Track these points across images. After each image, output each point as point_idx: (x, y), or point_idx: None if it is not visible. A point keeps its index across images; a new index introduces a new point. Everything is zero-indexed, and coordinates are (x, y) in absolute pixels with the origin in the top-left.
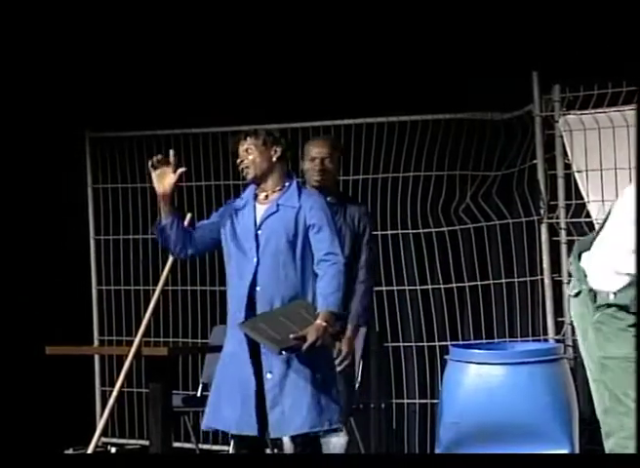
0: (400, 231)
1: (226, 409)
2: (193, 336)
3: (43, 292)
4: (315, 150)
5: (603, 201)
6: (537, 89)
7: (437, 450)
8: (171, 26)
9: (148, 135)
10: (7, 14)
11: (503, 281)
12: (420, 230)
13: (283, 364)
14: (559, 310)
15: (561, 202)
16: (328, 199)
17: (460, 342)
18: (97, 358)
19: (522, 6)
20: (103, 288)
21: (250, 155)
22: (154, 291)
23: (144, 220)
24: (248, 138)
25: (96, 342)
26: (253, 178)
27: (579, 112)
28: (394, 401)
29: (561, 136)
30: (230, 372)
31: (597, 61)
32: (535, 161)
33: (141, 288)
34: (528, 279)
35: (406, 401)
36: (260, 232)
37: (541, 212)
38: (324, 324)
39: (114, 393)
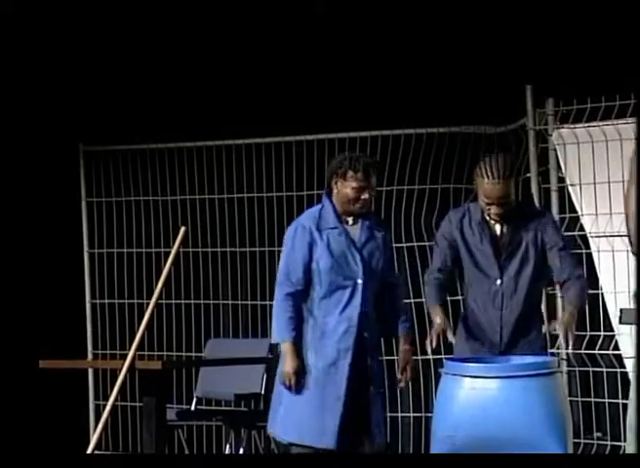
0: (394, 245)
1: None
2: (187, 350)
3: (36, 305)
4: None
5: (597, 214)
6: (530, 102)
7: None
8: (166, 40)
9: (142, 148)
10: (2, 28)
11: None
12: (414, 243)
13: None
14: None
15: (555, 215)
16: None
17: (456, 356)
18: (90, 371)
19: (516, 20)
20: (97, 301)
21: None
22: (148, 304)
23: (138, 234)
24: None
25: (89, 356)
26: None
27: (572, 126)
28: (388, 414)
29: (554, 150)
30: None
31: (590, 75)
32: (528, 174)
33: (135, 301)
34: None
35: (400, 414)
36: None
37: None
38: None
39: (108, 407)
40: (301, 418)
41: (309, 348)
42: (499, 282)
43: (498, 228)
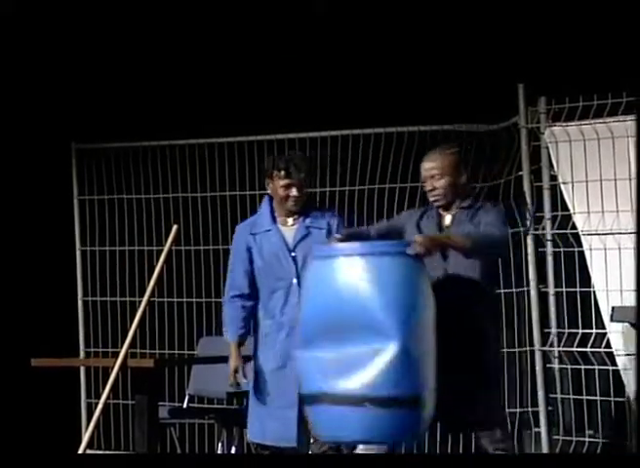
0: None
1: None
2: (179, 348)
3: (28, 303)
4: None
5: (589, 212)
6: (522, 100)
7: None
8: (158, 38)
9: (135, 146)
10: None
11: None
12: None
13: None
14: (545, 321)
15: (547, 213)
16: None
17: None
18: (82, 370)
19: (508, 19)
20: (89, 299)
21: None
22: (140, 302)
23: (130, 232)
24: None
25: (81, 354)
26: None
27: (564, 124)
28: None
29: (547, 148)
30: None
31: (582, 73)
32: (521, 172)
33: (127, 299)
34: (514, 290)
35: None
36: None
37: (528, 223)
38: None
39: (100, 405)
40: (261, 419)
41: (258, 350)
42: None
43: (447, 219)
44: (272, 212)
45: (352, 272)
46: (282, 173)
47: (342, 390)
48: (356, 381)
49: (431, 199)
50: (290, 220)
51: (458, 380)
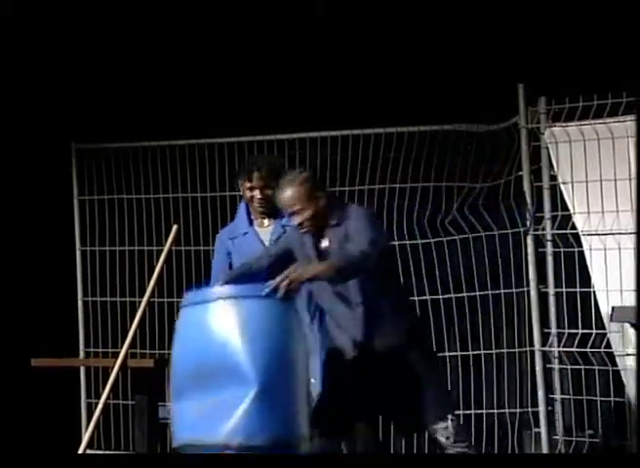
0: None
1: None
2: None
3: (28, 303)
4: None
5: (589, 212)
6: (522, 101)
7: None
8: (159, 39)
9: (135, 146)
10: None
11: (489, 292)
12: (407, 241)
13: None
14: (545, 321)
15: (547, 213)
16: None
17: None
18: (82, 370)
19: (508, 19)
20: (89, 299)
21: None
22: (140, 302)
23: (130, 232)
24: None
25: (81, 354)
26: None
27: (564, 124)
28: None
29: (547, 148)
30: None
31: (583, 74)
32: (521, 172)
33: (127, 299)
34: (514, 290)
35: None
36: None
37: (528, 223)
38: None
39: (100, 405)
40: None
41: None
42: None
43: (324, 242)
44: (249, 215)
45: (217, 317)
46: (244, 176)
47: (209, 440)
48: (220, 430)
49: (303, 231)
50: (265, 221)
51: (390, 390)
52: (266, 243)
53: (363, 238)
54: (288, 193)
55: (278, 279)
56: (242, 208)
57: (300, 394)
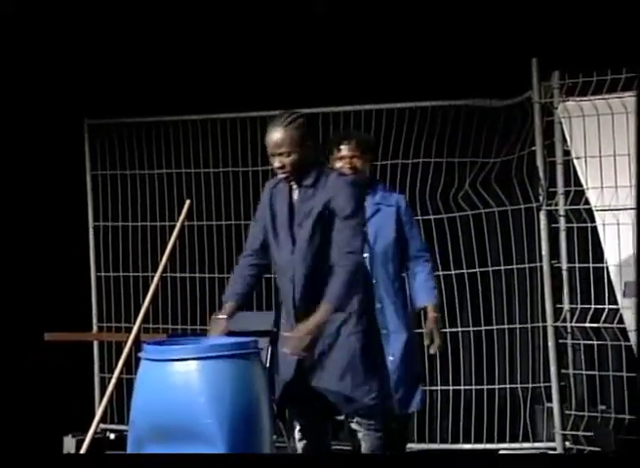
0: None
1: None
2: (192, 323)
3: (42, 278)
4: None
5: (602, 187)
6: (536, 75)
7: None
8: (172, 12)
9: (147, 121)
10: (5, 2)
11: (502, 268)
12: (419, 217)
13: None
14: (558, 297)
15: (560, 189)
16: None
17: (158, 339)
18: (95, 344)
19: None
20: (102, 274)
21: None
22: (153, 277)
23: (143, 207)
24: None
25: (94, 329)
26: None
27: (577, 99)
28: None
29: (560, 123)
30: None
31: (596, 48)
32: (534, 148)
33: (140, 274)
34: (527, 266)
35: (428, 388)
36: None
37: (540, 198)
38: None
39: (113, 380)
40: None
41: None
42: (290, 251)
43: (295, 194)
44: None
45: (181, 377)
46: (335, 147)
47: None
48: None
49: (281, 176)
50: None
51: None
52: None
53: (351, 204)
54: (279, 134)
55: (289, 351)
56: None
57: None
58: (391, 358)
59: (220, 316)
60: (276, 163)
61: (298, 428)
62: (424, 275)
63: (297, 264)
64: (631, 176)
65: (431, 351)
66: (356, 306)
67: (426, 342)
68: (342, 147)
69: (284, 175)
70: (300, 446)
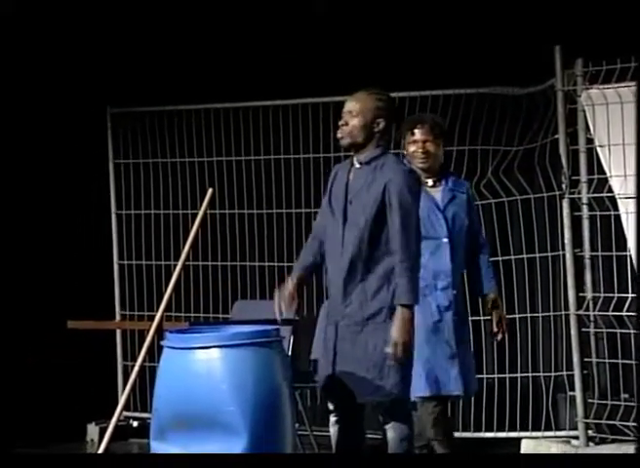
0: None
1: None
2: (214, 311)
3: (65, 267)
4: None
5: (625, 176)
6: (559, 63)
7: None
8: (196, 1)
9: (170, 110)
10: None
11: (525, 256)
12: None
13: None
14: (580, 285)
15: (583, 177)
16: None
17: (181, 327)
18: (118, 332)
19: None
20: (125, 262)
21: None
22: (176, 266)
23: (165, 195)
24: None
25: (117, 317)
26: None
27: (601, 86)
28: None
29: (583, 111)
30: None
31: (620, 35)
32: (556, 136)
33: (163, 263)
34: (549, 254)
35: (485, 376)
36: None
37: (563, 186)
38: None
39: (136, 367)
40: (427, 374)
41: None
42: (341, 227)
43: (352, 173)
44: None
45: (204, 365)
46: (408, 130)
47: None
48: None
49: (338, 135)
50: (429, 182)
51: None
52: (439, 202)
53: (405, 196)
54: (358, 96)
55: (391, 349)
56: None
57: (287, 447)
58: (451, 344)
59: (287, 286)
60: (341, 121)
61: (333, 413)
62: (486, 263)
63: (345, 241)
64: None
65: (498, 337)
66: (389, 301)
67: (495, 329)
68: (416, 131)
69: (339, 136)
70: (332, 430)
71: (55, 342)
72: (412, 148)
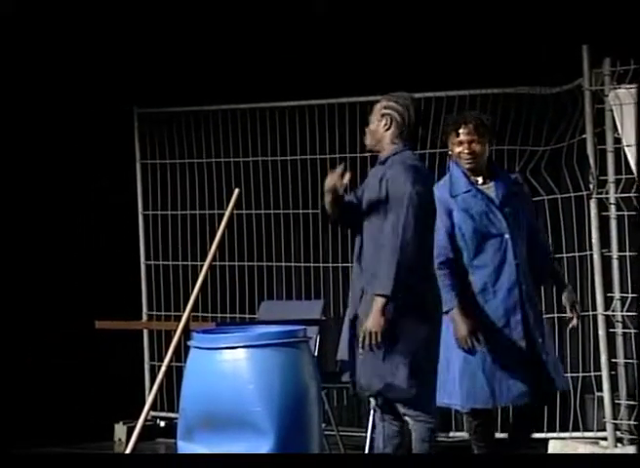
0: None
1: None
2: (241, 312)
3: (93, 267)
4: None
5: None
6: (587, 62)
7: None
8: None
9: (196, 110)
10: None
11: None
12: None
13: None
14: (608, 285)
15: (610, 177)
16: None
17: (208, 328)
18: (145, 332)
19: None
20: (152, 263)
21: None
22: (202, 266)
23: (192, 196)
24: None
25: (144, 317)
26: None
27: (629, 86)
28: None
29: (611, 111)
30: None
31: None
32: (584, 135)
33: (189, 263)
34: (577, 254)
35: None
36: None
37: (591, 187)
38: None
39: (163, 367)
40: (481, 381)
41: (475, 311)
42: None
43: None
44: (464, 173)
45: (230, 365)
46: (453, 130)
47: None
48: None
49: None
50: (479, 180)
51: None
52: (495, 198)
53: (404, 188)
54: (382, 99)
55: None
56: (453, 166)
57: (314, 447)
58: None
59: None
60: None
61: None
62: (545, 254)
63: (364, 238)
64: None
65: (573, 322)
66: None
67: (569, 315)
68: (461, 131)
69: (365, 139)
70: (379, 427)
71: (83, 343)
72: (457, 149)
